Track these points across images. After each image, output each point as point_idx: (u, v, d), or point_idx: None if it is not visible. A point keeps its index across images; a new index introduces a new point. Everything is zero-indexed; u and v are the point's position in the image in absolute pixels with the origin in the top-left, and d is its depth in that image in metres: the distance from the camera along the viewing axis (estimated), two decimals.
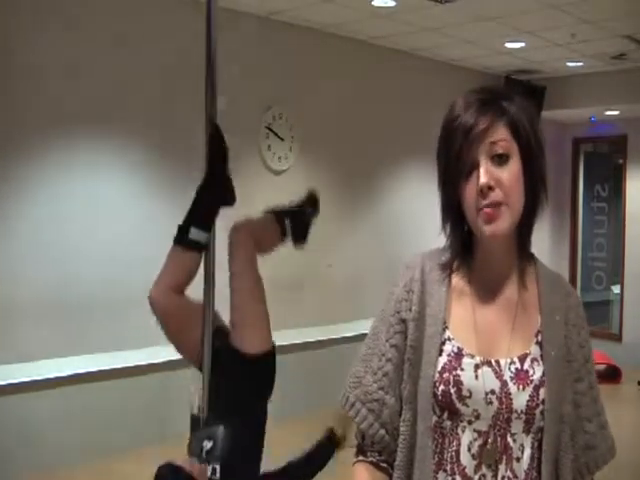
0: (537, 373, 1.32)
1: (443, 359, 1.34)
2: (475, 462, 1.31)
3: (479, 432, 1.31)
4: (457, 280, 1.40)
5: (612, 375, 6.36)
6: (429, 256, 1.44)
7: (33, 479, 3.90)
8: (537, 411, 1.31)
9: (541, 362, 1.33)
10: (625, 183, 7.68)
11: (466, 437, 1.32)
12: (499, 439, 1.31)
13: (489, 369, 1.32)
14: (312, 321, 5.42)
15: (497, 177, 1.29)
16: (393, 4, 4.77)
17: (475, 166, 1.30)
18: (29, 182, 4.05)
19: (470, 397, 1.31)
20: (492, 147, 1.30)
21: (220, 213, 2.13)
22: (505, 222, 1.30)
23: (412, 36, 5.63)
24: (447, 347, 1.35)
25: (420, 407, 1.34)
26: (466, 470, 1.31)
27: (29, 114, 4.06)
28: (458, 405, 1.31)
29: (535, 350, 1.34)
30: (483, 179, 1.28)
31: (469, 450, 1.31)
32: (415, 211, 6.11)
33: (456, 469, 1.32)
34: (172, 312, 2.10)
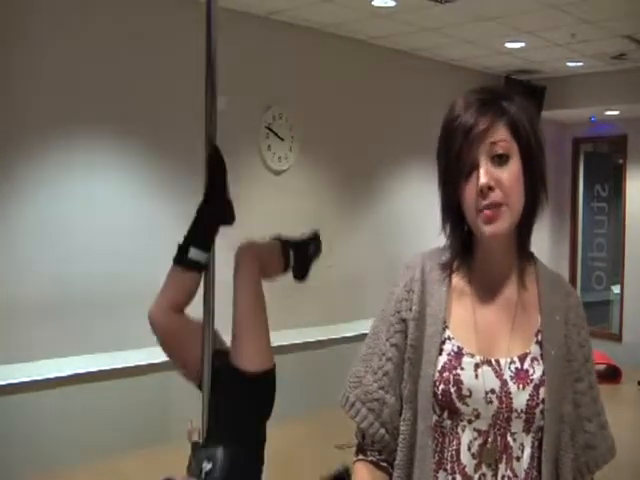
0: (537, 372, 1.32)
1: (443, 358, 1.34)
2: (475, 461, 1.31)
3: (479, 431, 1.32)
4: (457, 280, 1.40)
5: (612, 375, 6.35)
6: (429, 256, 1.45)
7: (33, 479, 3.90)
8: (537, 410, 1.31)
9: (541, 361, 1.33)
10: (625, 183, 7.68)
11: (466, 436, 1.32)
12: (499, 438, 1.31)
13: (489, 368, 1.32)
14: (312, 321, 5.42)
15: (497, 177, 1.29)
16: (393, 4, 4.77)
17: (475, 166, 1.31)
18: (29, 182, 4.05)
19: (470, 396, 1.31)
20: (492, 147, 1.30)
21: (220, 232, 2.12)
22: (505, 222, 1.31)
23: (412, 36, 5.63)
24: (447, 346, 1.35)
25: (420, 406, 1.35)
26: (466, 469, 1.31)
27: (29, 114, 4.05)
28: (458, 404, 1.32)
29: (535, 349, 1.35)
30: (483, 179, 1.29)
31: (469, 449, 1.32)
32: (415, 211, 6.11)
33: (456, 468, 1.32)
34: (172, 331, 2.10)
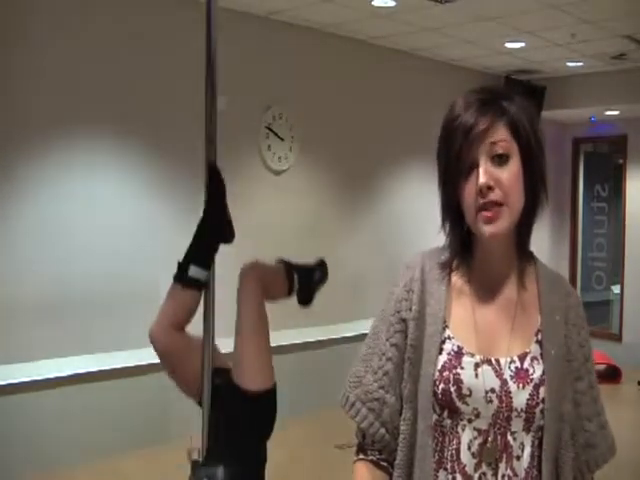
0: (537, 372, 1.32)
1: (443, 358, 1.34)
2: (475, 460, 1.31)
3: (479, 430, 1.32)
4: (457, 279, 1.41)
5: (612, 375, 6.36)
6: (429, 255, 1.45)
7: (33, 479, 3.90)
8: (537, 410, 1.31)
9: (541, 361, 1.33)
10: (625, 183, 7.68)
11: (466, 435, 1.32)
12: (499, 437, 1.31)
13: (489, 368, 1.32)
14: (312, 321, 5.41)
15: (497, 177, 1.30)
16: (393, 4, 4.77)
17: (475, 166, 1.31)
18: (29, 182, 4.05)
19: (470, 395, 1.31)
20: (492, 147, 1.30)
21: (220, 250, 2.11)
22: (505, 222, 1.31)
23: (412, 36, 5.63)
24: (447, 346, 1.35)
25: (420, 406, 1.35)
26: (466, 468, 1.31)
27: (29, 114, 4.06)
28: (458, 403, 1.32)
29: (535, 349, 1.35)
30: (482, 179, 1.29)
31: (469, 448, 1.32)
32: (415, 211, 6.11)
33: (456, 467, 1.32)
34: (172, 349, 2.10)
